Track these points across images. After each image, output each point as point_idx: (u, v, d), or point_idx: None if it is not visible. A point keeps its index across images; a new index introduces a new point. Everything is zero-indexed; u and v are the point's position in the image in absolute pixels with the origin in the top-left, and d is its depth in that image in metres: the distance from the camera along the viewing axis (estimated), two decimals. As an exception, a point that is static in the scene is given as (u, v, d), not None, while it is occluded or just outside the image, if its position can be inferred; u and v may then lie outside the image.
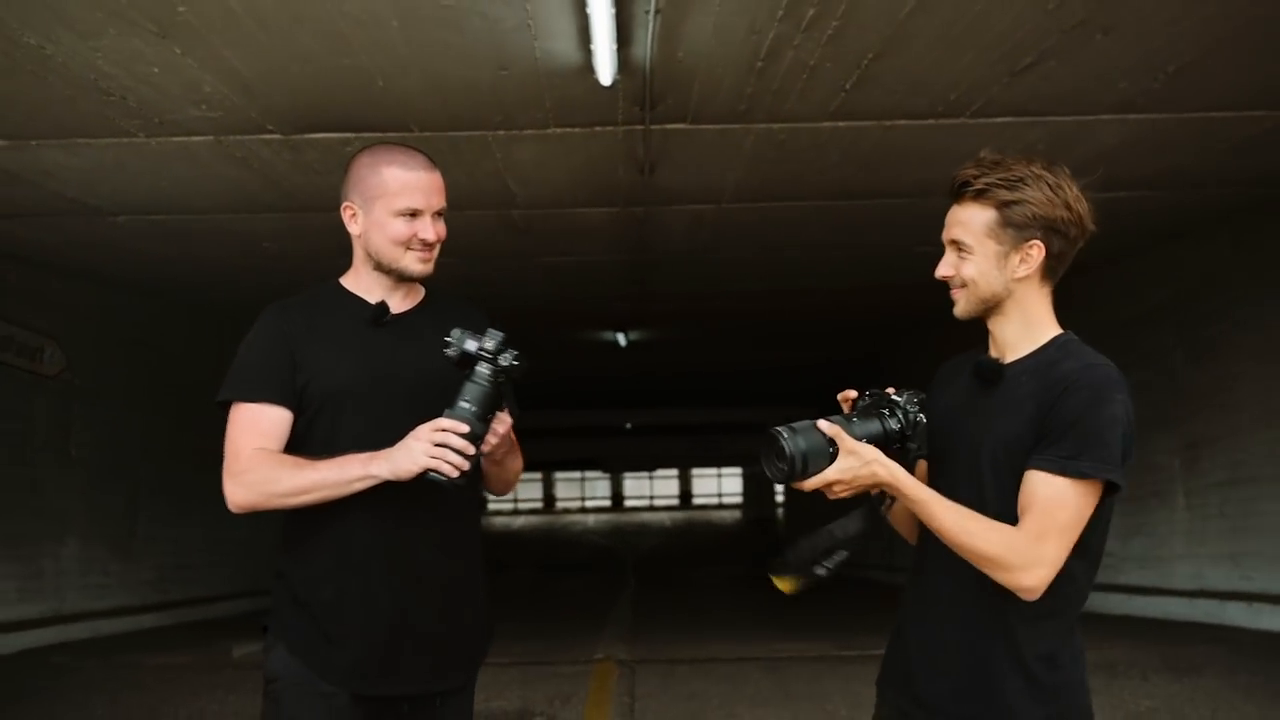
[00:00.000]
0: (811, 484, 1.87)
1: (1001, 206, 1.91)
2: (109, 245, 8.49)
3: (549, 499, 44.90)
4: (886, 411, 1.96)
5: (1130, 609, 9.54)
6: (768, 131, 6.17)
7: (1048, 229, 1.91)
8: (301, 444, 2.19)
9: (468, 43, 4.82)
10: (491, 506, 42.44)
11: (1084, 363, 1.89)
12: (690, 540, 33.47)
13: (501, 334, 2.09)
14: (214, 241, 8.47)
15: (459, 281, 9.88)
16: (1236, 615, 8.27)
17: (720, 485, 43.95)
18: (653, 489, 44.94)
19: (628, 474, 43.70)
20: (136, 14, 4.47)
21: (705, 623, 11.45)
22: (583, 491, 45.12)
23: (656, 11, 4.46)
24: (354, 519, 2.16)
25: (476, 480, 2.24)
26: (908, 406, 1.96)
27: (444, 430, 2.03)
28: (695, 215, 8.03)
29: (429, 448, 2.02)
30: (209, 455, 9.86)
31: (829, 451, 1.86)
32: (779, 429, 1.86)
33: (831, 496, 1.91)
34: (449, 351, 2.09)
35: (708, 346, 15.10)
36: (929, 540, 1.98)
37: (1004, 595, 1.87)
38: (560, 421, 23.96)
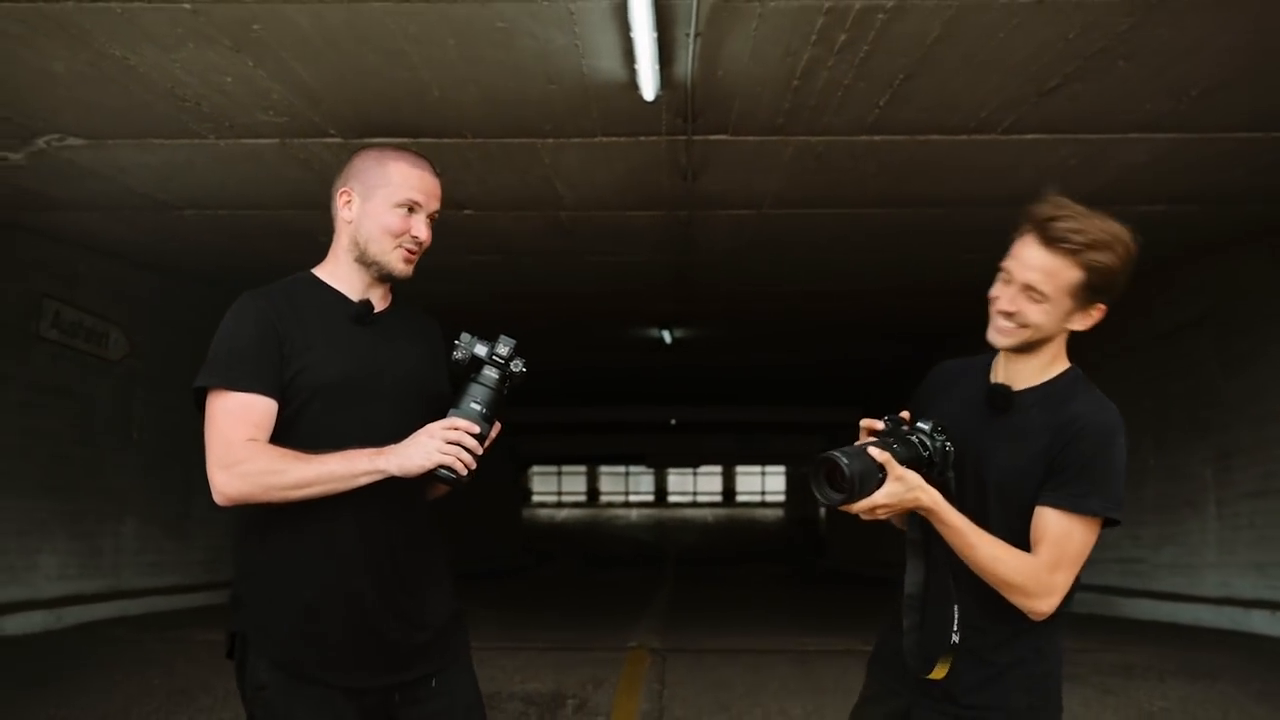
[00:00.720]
0: (860, 506, 1.94)
1: (1090, 269, 1.94)
2: (174, 237, 8.89)
3: (593, 493, 45.15)
4: (916, 440, 2.03)
5: (1159, 614, 9.64)
6: (806, 144, 6.40)
7: (1113, 294, 2.00)
8: (283, 437, 2.14)
9: (519, 59, 5.11)
10: (536, 499, 42.83)
11: (1094, 406, 2.01)
12: (732, 538, 33.60)
13: (514, 341, 2.15)
14: (272, 235, 8.81)
15: (505, 278, 10.21)
16: (1260, 623, 8.36)
17: (764, 483, 43.92)
18: (696, 485, 45.02)
19: (672, 470, 43.79)
20: (214, 30, 4.82)
21: (739, 617, 11.65)
22: (627, 486, 45.32)
23: (696, 35, 4.72)
24: (336, 515, 2.13)
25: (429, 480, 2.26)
26: (935, 435, 2.04)
27: (457, 429, 2.07)
28: (737, 220, 8.26)
29: (442, 445, 2.05)
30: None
31: (879, 476, 1.94)
32: (836, 454, 1.93)
33: (868, 518, 1.98)
34: (457, 355, 2.13)
35: (751, 345, 15.28)
36: (933, 542, 2.09)
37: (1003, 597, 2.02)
38: (606, 416, 24.16)
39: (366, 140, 6.42)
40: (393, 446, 2.07)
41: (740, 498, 44.55)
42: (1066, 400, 2.02)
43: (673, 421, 25.30)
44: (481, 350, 2.14)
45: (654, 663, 7.43)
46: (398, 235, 2.22)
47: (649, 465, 41.53)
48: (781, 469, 39.63)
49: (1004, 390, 2.06)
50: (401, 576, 2.23)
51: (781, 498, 40.29)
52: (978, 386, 2.13)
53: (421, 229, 2.23)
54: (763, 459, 38.84)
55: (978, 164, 6.54)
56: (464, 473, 2.08)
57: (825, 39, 4.81)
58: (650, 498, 45.06)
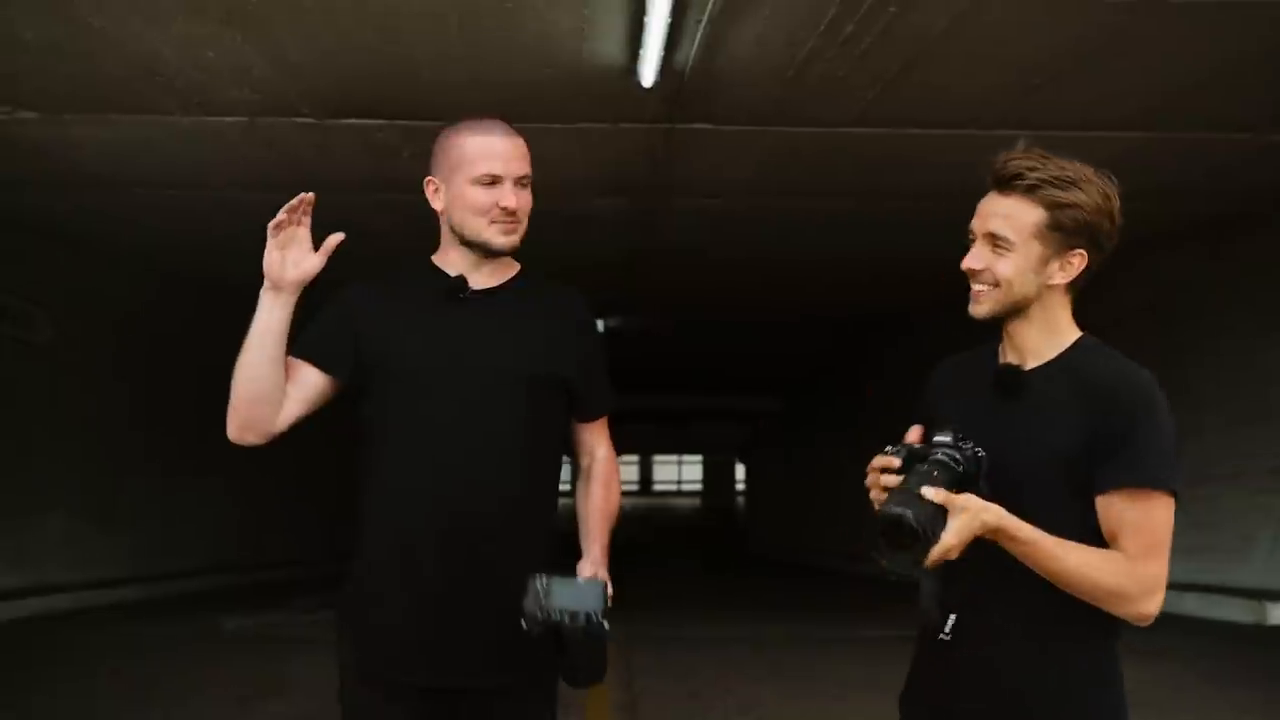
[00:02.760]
0: (935, 556, 1.65)
1: (1053, 207, 1.76)
2: (115, 218, 8.56)
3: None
4: (947, 459, 1.74)
5: (1094, 600, 9.97)
6: (785, 135, 6.44)
7: (1092, 239, 1.79)
8: (373, 421, 2.14)
9: (520, 41, 5.04)
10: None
11: (1124, 371, 1.79)
12: (652, 526, 33.69)
13: (587, 609, 1.98)
14: (220, 218, 8.54)
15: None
16: (1193, 606, 8.72)
17: (680, 472, 44.26)
18: (612, 474, 45.16)
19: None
20: (208, 2, 4.64)
21: (684, 606, 11.71)
22: (542, 476, 45.20)
23: (708, 22, 4.71)
24: (411, 508, 2.11)
25: (537, 487, 2.22)
26: (961, 445, 1.76)
27: (286, 207, 2.02)
28: (699, 209, 8.27)
29: (269, 245, 2.03)
30: (197, 430, 9.72)
31: (942, 517, 1.67)
32: (892, 509, 1.66)
33: (939, 560, 1.67)
34: (530, 628, 1.98)
35: (683, 335, 15.35)
36: (962, 571, 1.76)
37: (1063, 620, 1.77)
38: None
39: (339, 121, 6.29)
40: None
41: (657, 486, 44.80)
42: (1089, 370, 1.79)
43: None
44: (554, 618, 1.99)
45: (618, 653, 7.44)
46: (485, 212, 2.13)
47: (567, 455, 41.45)
48: (699, 458, 39.95)
49: (1013, 370, 1.83)
50: (487, 574, 2.12)
51: (698, 486, 40.62)
52: (984, 376, 1.88)
53: (509, 198, 2.12)
54: (680, 448, 39.09)
55: (946, 159, 6.64)
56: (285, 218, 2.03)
57: (832, 29, 4.84)
58: (565, 487, 44.96)
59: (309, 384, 2.12)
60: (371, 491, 2.15)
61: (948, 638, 1.83)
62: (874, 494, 1.79)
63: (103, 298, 10.15)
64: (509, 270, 2.23)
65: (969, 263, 1.82)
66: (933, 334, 8.65)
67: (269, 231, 2.04)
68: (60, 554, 9.71)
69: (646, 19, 4.56)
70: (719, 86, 5.65)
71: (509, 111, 5.97)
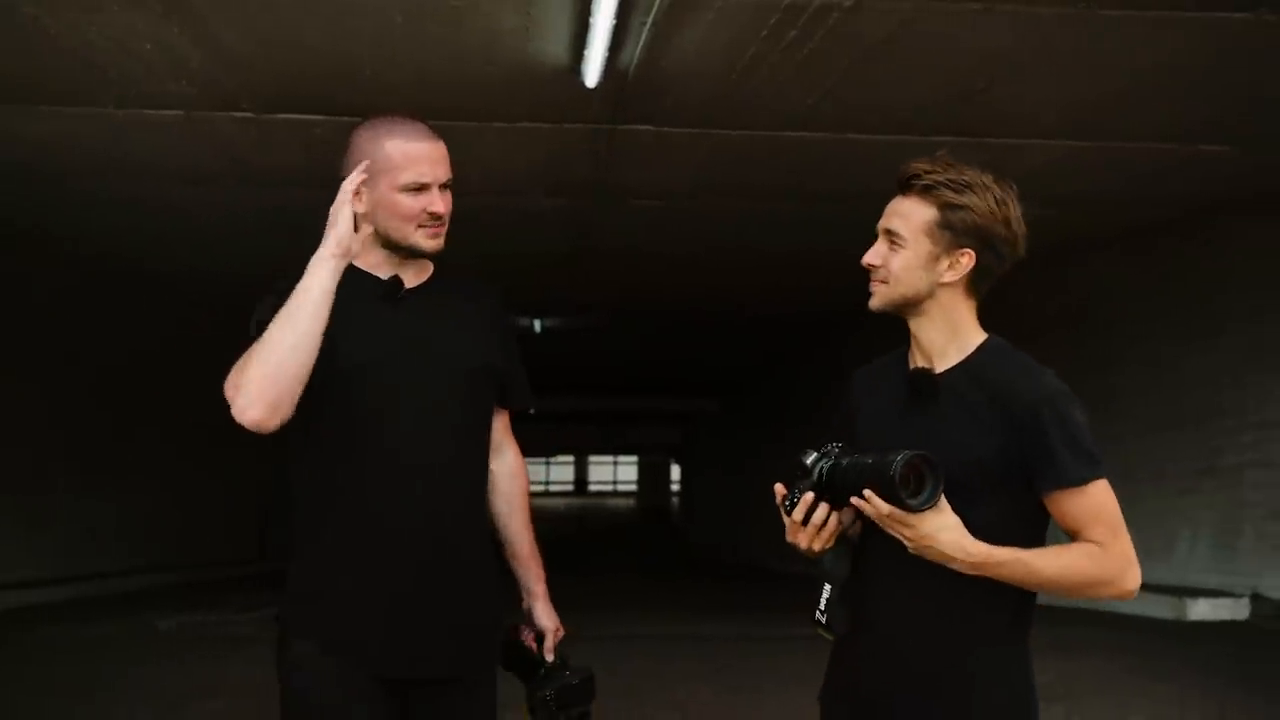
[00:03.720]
0: (925, 519, 1.75)
1: (944, 208, 1.85)
2: (39, 209, 8.35)
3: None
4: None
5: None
6: (726, 138, 6.51)
7: (983, 241, 1.86)
8: (323, 418, 2.10)
9: (464, 40, 5.04)
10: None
11: (1030, 370, 1.86)
12: (588, 526, 33.72)
13: (586, 706, 2.32)
14: (150, 210, 8.38)
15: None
16: (1117, 602, 8.95)
17: (616, 473, 44.35)
18: (548, 474, 45.14)
19: (525, 459, 43.79)
20: (146, -8, 4.58)
21: (620, 605, 11.73)
22: (477, 475, 45.11)
23: (652, 24, 4.75)
24: (375, 503, 2.11)
25: (482, 479, 2.28)
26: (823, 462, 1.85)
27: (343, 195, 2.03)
28: (640, 209, 8.32)
29: (340, 210, 2.03)
30: (123, 426, 9.59)
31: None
32: (910, 452, 1.73)
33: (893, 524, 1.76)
34: None
35: (623, 335, 15.37)
36: (873, 560, 1.89)
37: (972, 604, 1.83)
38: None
39: (277, 116, 6.22)
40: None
41: (592, 487, 44.85)
42: (995, 373, 1.86)
43: (531, 411, 25.17)
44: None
45: (554, 649, 7.42)
46: (414, 218, 2.13)
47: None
48: (634, 459, 40.07)
49: (926, 374, 1.90)
50: (454, 565, 2.17)
51: (633, 487, 40.73)
52: (897, 381, 1.97)
53: (437, 204, 2.13)
54: (616, 449, 39.16)
55: (887, 163, 6.71)
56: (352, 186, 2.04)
57: (775, 34, 4.91)
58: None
59: None
60: (326, 488, 2.14)
61: (851, 633, 1.90)
62: (813, 543, 1.87)
63: (22, 290, 9.88)
64: (428, 269, 2.25)
65: (867, 258, 1.92)
66: (868, 336, 8.79)
67: (352, 198, 2.01)
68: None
69: (592, 19, 4.59)
70: (662, 89, 5.69)
71: (450, 110, 6.06)
